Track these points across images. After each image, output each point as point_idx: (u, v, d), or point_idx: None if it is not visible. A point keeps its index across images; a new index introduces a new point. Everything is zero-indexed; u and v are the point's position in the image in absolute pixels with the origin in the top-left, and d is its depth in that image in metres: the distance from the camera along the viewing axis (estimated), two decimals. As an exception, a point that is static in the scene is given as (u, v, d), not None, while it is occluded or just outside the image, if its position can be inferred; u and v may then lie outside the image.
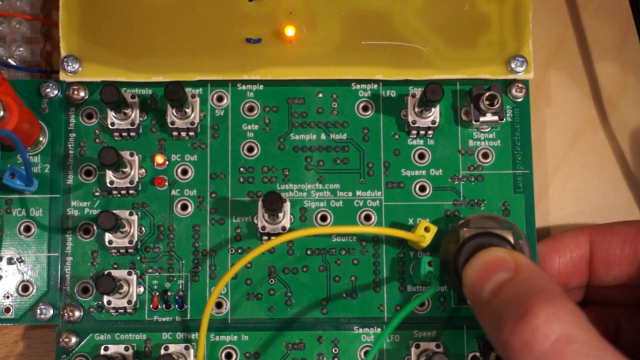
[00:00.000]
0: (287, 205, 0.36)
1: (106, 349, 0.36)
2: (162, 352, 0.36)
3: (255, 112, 0.38)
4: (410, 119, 0.37)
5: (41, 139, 0.37)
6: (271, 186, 0.37)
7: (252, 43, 0.37)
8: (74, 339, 0.36)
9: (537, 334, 0.28)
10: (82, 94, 0.37)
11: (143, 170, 0.37)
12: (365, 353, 0.36)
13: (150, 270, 0.37)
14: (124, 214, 0.36)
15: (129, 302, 0.36)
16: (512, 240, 0.34)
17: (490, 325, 0.30)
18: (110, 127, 0.37)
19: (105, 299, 0.36)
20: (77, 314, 0.36)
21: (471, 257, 0.33)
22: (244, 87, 0.38)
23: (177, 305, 0.37)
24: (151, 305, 0.37)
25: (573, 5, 0.42)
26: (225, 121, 0.38)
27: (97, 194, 0.37)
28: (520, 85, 0.38)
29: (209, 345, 0.36)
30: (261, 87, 0.38)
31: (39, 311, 0.36)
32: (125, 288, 0.36)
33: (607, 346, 0.28)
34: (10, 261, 0.37)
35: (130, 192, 0.37)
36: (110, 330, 0.36)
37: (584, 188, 0.41)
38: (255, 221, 0.37)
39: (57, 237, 0.37)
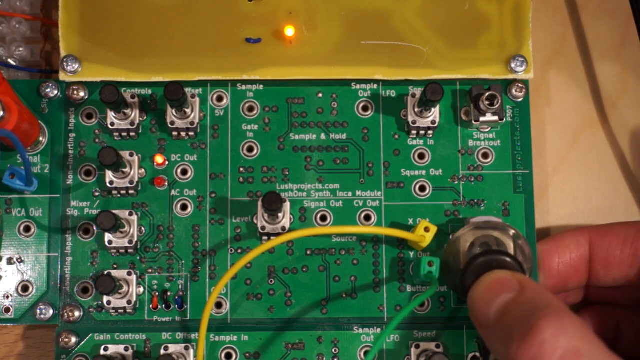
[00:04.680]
0: (287, 205, 0.36)
1: (106, 349, 0.36)
2: (162, 352, 0.36)
3: (255, 112, 0.38)
4: (410, 119, 0.37)
5: (41, 139, 0.37)
6: (271, 186, 0.37)
7: (252, 43, 0.37)
8: (73, 339, 0.36)
9: (545, 348, 0.28)
10: (82, 94, 0.37)
11: (143, 170, 0.37)
12: (365, 353, 0.36)
13: (150, 271, 0.37)
14: (123, 214, 0.36)
15: (129, 302, 0.36)
16: (512, 245, 0.34)
17: (498, 345, 0.30)
18: (110, 127, 0.37)
19: (105, 299, 0.36)
20: (77, 314, 0.36)
21: (476, 281, 0.32)
22: (243, 87, 0.38)
23: (177, 305, 0.37)
24: (151, 306, 0.37)
25: (573, 5, 0.42)
26: (225, 121, 0.38)
27: (97, 194, 0.37)
28: (520, 85, 0.38)
29: (208, 345, 0.36)
30: (261, 87, 0.38)
31: (38, 311, 0.36)
32: (125, 288, 0.36)
33: (614, 358, 0.28)
34: (10, 261, 0.37)
35: (130, 192, 0.37)
36: (110, 330, 0.36)
37: (584, 188, 0.41)
38: (255, 221, 0.37)
39: (57, 237, 0.37)
